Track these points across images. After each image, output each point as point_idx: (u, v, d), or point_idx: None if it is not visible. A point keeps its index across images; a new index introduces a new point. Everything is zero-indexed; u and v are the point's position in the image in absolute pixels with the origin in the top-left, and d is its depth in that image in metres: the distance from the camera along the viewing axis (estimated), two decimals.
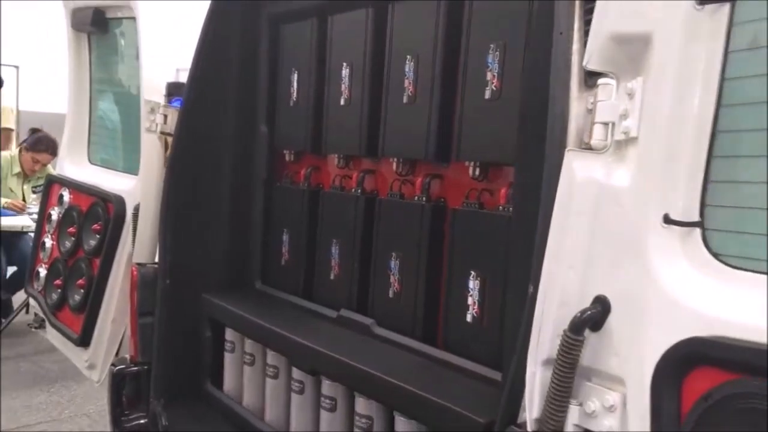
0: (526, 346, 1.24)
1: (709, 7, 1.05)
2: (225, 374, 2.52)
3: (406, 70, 1.97)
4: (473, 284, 1.79)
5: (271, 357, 2.27)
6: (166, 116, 2.71)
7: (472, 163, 1.82)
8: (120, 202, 2.87)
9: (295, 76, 2.44)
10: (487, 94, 1.74)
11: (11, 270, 5.84)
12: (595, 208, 1.17)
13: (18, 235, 5.65)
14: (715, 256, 1.05)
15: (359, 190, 2.21)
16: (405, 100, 1.98)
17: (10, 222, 5.46)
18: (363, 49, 2.13)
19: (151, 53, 2.75)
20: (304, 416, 2.11)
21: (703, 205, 1.07)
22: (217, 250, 2.64)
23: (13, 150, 6.29)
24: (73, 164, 3.40)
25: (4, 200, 5.67)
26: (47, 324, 3.29)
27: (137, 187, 2.78)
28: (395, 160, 2.07)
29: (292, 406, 2.16)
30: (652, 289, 1.08)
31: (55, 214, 3.31)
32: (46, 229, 3.37)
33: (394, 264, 2.04)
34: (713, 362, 0.96)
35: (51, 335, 3.34)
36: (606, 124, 1.18)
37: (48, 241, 3.34)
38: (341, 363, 1.89)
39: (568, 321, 1.16)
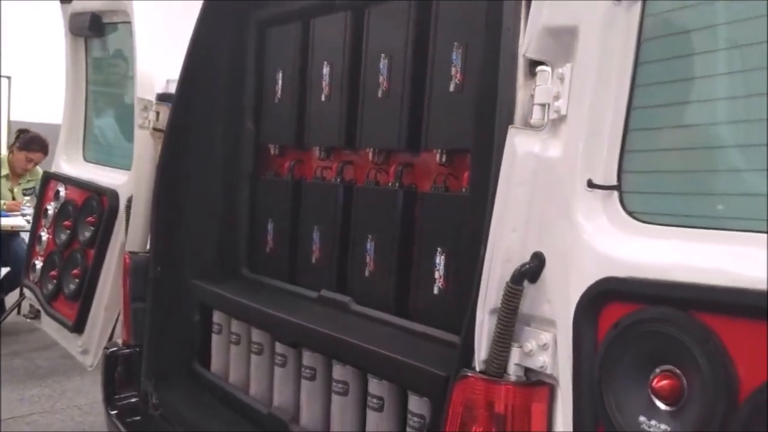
0: (477, 300, 1.42)
1: (625, 3, 1.25)
2: (212, 354, 2.68)
3: (381, 67, 2.17)
4: (439, 259, 1.97)
5: (256, 335, 2.43)
6: (158, 113, 2.89)
7: (439, 151, 2.01)
8: (114, 195, 3.04)
9: (280, 75, 2.62)
10: (452, 87, 1.93)
11: (4, 270, 5.96)
12: (533, 178, 1.36)
13: (11, 235, 5.79)
14: (630, 213, 1.24)
15: (339, 179, 2.39)
16: (380, 94, 2.17)
17: (4, 222, 5.59)
18: (342, 49, 2.32)
19: (144, 54, 2.93)
20: (287, 387, 2.27)
21: (620, 171, 1.26)
22: (205, 239, 2.81)
23: (1, 153, 6.43)
24: (69, 162, 3.57)
25: (2, 201, 5.81)
26: (42, 313, 3.44)
27: (130, 181, 2.95)
28: (371, 150, 2.25)
29: (275, 378, 2.33)
30: (578, 243, 1.26)
31: (51, 209, 3.47)
32: (43, 224, 3.53)
33: (369, 246, 2.22)
34: (622, 297, 1.14)
35: (46, 324, 3.48)
36: (543, 105, 1.37)
37: (44, 235, 3.49)
38: (320, 334, 2.06)
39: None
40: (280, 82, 2.63)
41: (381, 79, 2.17)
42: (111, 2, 3.16)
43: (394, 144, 2.14)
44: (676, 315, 1.05)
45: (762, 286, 0.94)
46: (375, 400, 1.91)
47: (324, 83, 2.40)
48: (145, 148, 2.92)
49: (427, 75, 2.02)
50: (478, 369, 1.39)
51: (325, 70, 2.39)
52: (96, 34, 3.40)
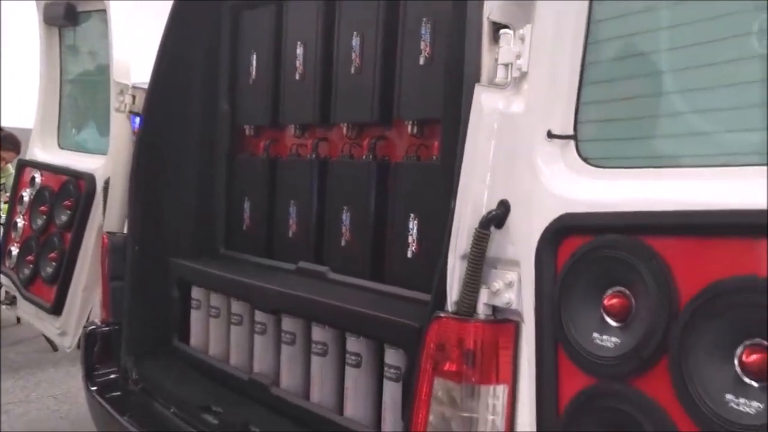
0: (449, 248, 1.53)
1: None
2: (192, 330, 2.74)
3: (353, 44, 2.27)
4: (412, 225, 2.08)
5: (235, 306, 2.51)
6: (134, 97, 2.95)
7: (410, 122, 2.12)
8: (91, 179, 3.09)
9: (254, 57, 2.71)
10: (422, 61, 2.04)
11: None
12: (499, 132, 1.47)
13: None
14: (585, 159, 1.36)
15: (314, 155, 2.49)
16: (353, 70, 2.27)
17: None
18: (315, 28, 2.42)
19: (120, 39, 2.99)
20: (267, 353, 2.36)
21: (576, 121, 1.38)
22: (183, 219, 2.87)
23: None
24: (44, 149, 3.60)
25: None
26: (18, 299, 3.47)
27: (107, 164, 3.00)
28: (345, 125, 2.35)
29: (255, 346, 2.41)
30: (539, 188, 1.38)
31: (26, 195, 3.50)
32: (18, 211, 3.55)
33: (345, 217, 2.32)
34: (577, 230, 1.26)
35: (22, 310, 3.51)
36: (506, 65, 1.48)
37: (20, 221, 3.52)
38: (300, 299, 2.15)
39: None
40: (254, 63, 2.72)
41: (354, 56, 2.27)
42: None
43: (367, 117, 2.25)
44: (624, 240, 1.17)
45: (695, 207, 1.07)
46: (353, 357, 2.01)
47: (298, 62, 2.49)
48: (122, 131, 2.98)
49: (398, 50, 2.13)
50: (449, 309, 1.50)
51: (299, 50, 2.49)
52: (70, 23, 3.45)
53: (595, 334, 1.20)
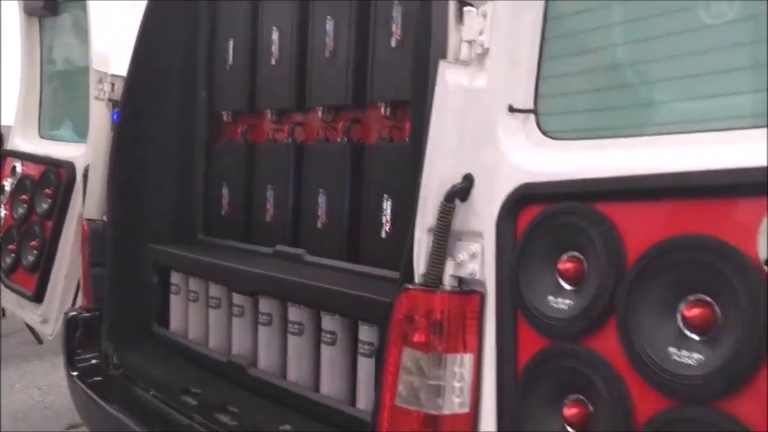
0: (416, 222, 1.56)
1: None
2: (171, 314, 2.77)
3: (327, 29, 2.30)
4: (386, 205, 2.12)
5: (214, 290, 2.53)
6: (113, 84, 2.97)
7: (383, 104, 2.15)
8: (71, 167, 3.10)
9: (231, 44, 2.74)
10: (393, 43, 2.08)
11: None
12: (463, 108, 1.51)
13: None
14: (544, 133, 1.40)
15: (290, 140, 2.52)
16: (327, 54, 2.30)
17: None
18: (290, 13, 2.44)
19: (99, 28, 3.01)
20: (245, 335, 2.39)
21: (536, 96, 1.42)
22: (161, 205, 2.89)
23: None
24: (25, 139, 3.61)
25: None
26: (0, 288, 3.48)
27: (87, 152, 3.02)
28: (321, 109, 2.38)
29: (234, 329, 2.44)
30: (501, 161, 1.42)
31: (8, 185, 3.50)
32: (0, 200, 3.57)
33: (321, 200, 2.35)
34: (535, 199, 1.30)
35: (5, 300, 3.52)
36: (470, 42, 1.52)
37: (1, 211, 3.53)
38: (276, 280, 2.18)
39: None
40: (231, 50, 2.75)
41: (327, 40, 2.30)
42: None
43: (342, 100, 2.28)
44: (577, 207, 1.21)
45: (641, 172, 1.11)
46: (328, 336, 2.04)
47: (273, 48, 2.52)
48: (101, 119, 2.99)
49: (371, 33, 2.16)
50: (417, 281, 1.53)
51: (275, 35, 2.52)
52: (51, 13, 3.46)
53: (550, 298, 1.24)
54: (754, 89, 1.06)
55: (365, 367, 1.93)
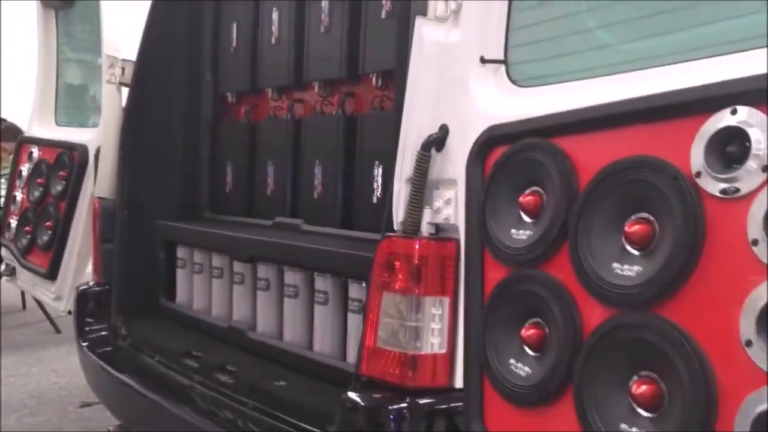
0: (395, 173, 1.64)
1: None
2: (177, 288, 2.87)
3: (323, 6, 2.40)
4: (377, 172, 2.20)
5: (216, 260, 2.63)
6: (123, 69, 3.08)
7: (374, 74, 2.24)
8: (83, 149, 3.22)
9: (234, 27, 2.84)
10: (383, 15, 2.16)
11: None
12: (438, 61, 1.59)
13: None
14: (513, 81, 1.48)
15: (289, 116, 2.61)
16: (322, 30, 2.40)
17: None
18: None
19: (110, 15, 3.13)
20: (244, 301, 2.48)
21: (506, 47, 1.50)
22: (169, 184, 3.00)
23: None
24: (42, 126, 3.75)
25: None
26: (17, 269, 3.61)
27: (98, 135, 3.14)
28: (317, 83, 2.48)
29: (234, 296, 2.53)
30: (473, 110, 1.49)
31: (25, 170, 3.64)
32: (17, 185, 3.70)
33: (317, 171, 2.44)
34: (501, 140, 1.37)
35: (21, 280, 3.65)
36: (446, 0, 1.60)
37: (19, 195, 3.66)
38: (273, 245, 2.28)
39: None
40: (234, 33, 2.85)
41: (323, 16, 2.40)
42: None
43: (336, 74, 2.37)
44: (537, 142, 1.28)
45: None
46: (321, 295, 2.12)
47: (274, 28, 2.62)
48: (112, 102, 3.10)
49: (362, 6, 2.25)
50: (396, 229, 1.61)
51: (275, 15, 2.62)
52: (66, 4, 3.60)
53: (513, 230, 1.31)
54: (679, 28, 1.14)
55: (355, 322, 2.01)
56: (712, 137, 1.00)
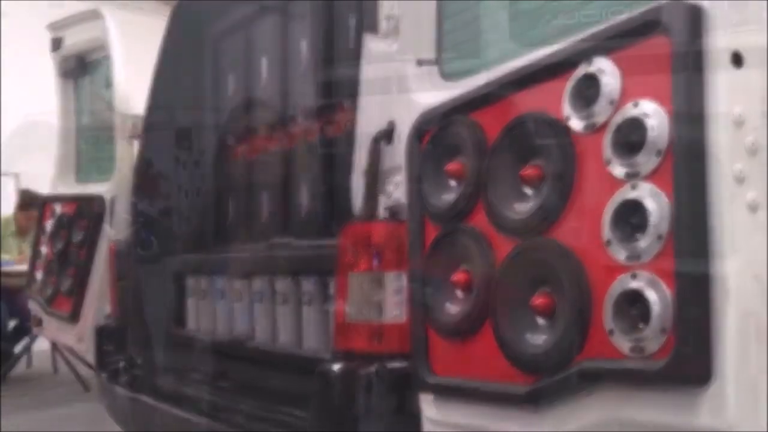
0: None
1: None
2: (188, 315, 3.10)
3: (301, 48, 2.70)
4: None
5: (220, 284, 2.86)
6: (134, 124, 3.42)
7: (348, 99, 2.51)
8: (100, 199, 3.53)
9: (230, 78, 3.17)
10: (351, 44, 2.44)
11: (12, 323, 6.41)
12: (384, 68, 1.85)
13: (18, 290, 6.23)
14: (445, 78, 1.72)
15: (279, 149, 2.89)
16: (302, 69, 2.70)
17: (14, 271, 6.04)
18: (273, 40, 2.86)
19: (123, 76, 3.50)
20: (244, 316, 2.69)
21: (439, 49, 1.75)
22: (177, 224, 3.28)
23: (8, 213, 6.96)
24: (64, 185, 4.09)
25: (6, 256, 6.31)
26: (44, 318, 3.88)
27: (113, 185, 3.45)
28: (300, 116, 2.76)
29: (235, 312, 2.75)
30: (413, 105, 1.74)
31: (49, 225, 3.95)
32: (42, 240, 4.01)
33: (303, 191, 2.69)
34: (431, 123, 1.61)
35: (48, 330, 3.91)
36: (388, 18, 1.87)
37: (43, 249, 3.96)
38: (264, 258, 2.52)
39: None
40: (230, 83, 3.17)
41: (301, 57, 2.70)
42: (91, 39, 3.74)
43: (315, 104, 2.65)
44: (456, 118, 1.52)
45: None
46: (306, 297, 2.34)
47: (263, 74, 2.94)
48: (125, 154, 3.44)
49: (334, 41, 2.54)
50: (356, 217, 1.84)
51: (263, 62, 2.94)
52: (81, 73, 3.99)
53: (443, 195, 1.53)
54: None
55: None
56: (575, 86, 1.23)
